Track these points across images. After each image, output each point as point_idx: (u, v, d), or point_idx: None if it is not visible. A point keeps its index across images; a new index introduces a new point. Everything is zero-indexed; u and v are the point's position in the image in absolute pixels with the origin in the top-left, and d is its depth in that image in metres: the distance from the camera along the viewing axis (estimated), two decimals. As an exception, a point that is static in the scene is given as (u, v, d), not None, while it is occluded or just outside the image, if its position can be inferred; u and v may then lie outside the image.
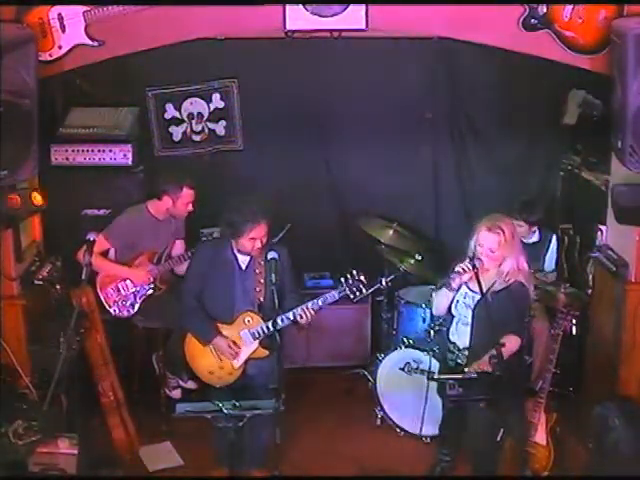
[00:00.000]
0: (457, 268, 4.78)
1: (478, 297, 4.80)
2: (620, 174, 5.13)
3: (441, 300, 4.99)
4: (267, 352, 5.01)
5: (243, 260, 5.00)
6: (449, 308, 4.99)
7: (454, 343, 4.99)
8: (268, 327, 4.93)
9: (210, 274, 5.01)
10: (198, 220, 6.15)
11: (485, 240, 4.76)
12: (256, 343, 5.00)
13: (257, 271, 4.99)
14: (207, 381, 5.17)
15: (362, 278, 4.92)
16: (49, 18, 4.98)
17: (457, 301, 4.95)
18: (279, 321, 4.86)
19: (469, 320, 4.89)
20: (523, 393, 5.12)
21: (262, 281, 4.97)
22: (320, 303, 4.95)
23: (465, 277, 4.80)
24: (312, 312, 4.92)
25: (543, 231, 6.20)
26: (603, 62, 5.07)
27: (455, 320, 4.98)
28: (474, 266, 4.70)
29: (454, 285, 4.86)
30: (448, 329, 5.03)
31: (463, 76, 6.75)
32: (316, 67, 6.62)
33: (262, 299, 4.98)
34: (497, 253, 4.76)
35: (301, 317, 4.91)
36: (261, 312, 4.98)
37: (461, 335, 4.94)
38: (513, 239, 4.80)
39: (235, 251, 5.00)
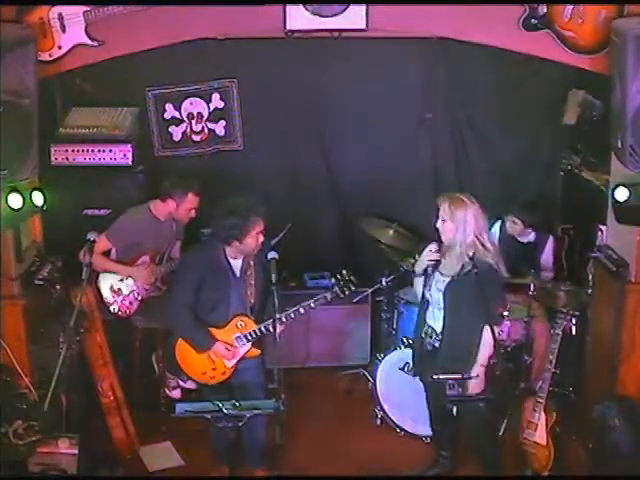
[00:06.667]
0: (426, 249, 4.95)
1: (448, 280, 4.89)
2: (620, 174, 5.13)
3: (418, 289, 5.11)
4: (259, 351, 5.07)
5: (236, 265, 4.99)
6: (423, 293, 5.05)
7: (431, 327, 5.04)
8: (261, 330, 4.97)
9: (203, 283, 4.95)
10: (198, 220, 6.15)
11: (440, 207, 4.91)
12: (249, 345, 5.03)
13: (248, 273, 4.99)
14: (200, 381, 5.18)
15: (352, 278, 5.02)
16: (49, 18, 4.98)
17: (430, 286, 5.00)
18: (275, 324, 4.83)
19: (441, 304, 4.95)
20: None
21: (252, 283, 4.99)
22: (312, 305, 5.01)
23: (433, 257, 4.93)
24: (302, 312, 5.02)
25: (539, 232, 6.20)
26: (603, 62, 5.07)
27: (431, 305, 5.03)
28: (439, 245, 4.91)
29: (419, 270, 5.01)
30: (425, 312, 5.07)
31: (463, 76, 6.74)
32: (316, 67, 6.61)
33: (253, 301, 5.01)
34: (449, 213, 4.84)
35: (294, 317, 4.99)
36: (253, 315, 5.01)
37: (437, 320, 5.01)
38: (464, 206, 4.83)
39: (229, 258, 4.97)
